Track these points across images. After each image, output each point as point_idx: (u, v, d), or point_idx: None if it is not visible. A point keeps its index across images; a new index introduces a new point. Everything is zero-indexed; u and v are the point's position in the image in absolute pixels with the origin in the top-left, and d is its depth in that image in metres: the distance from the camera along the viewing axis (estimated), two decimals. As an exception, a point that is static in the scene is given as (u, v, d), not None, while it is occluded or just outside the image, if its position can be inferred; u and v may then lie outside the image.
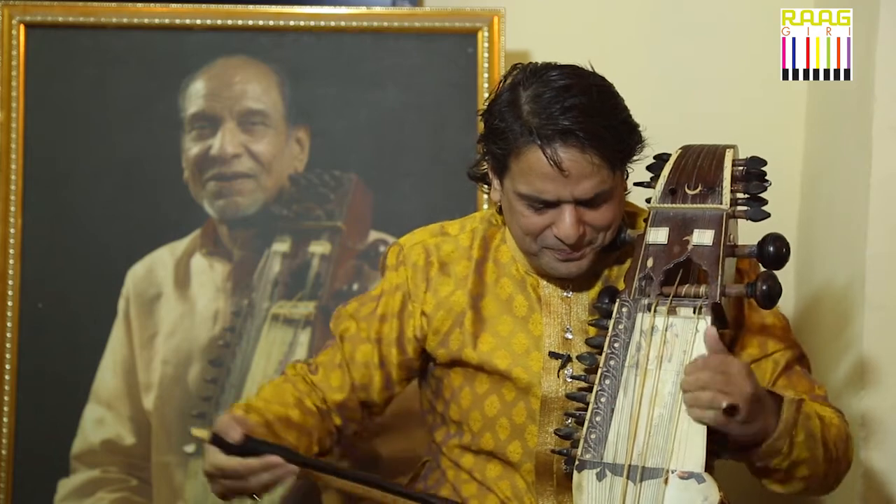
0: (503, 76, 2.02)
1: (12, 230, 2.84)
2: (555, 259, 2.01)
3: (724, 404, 1.77)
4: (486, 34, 2.85)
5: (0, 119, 2.84)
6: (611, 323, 1.90)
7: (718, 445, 1.86)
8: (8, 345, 2.84)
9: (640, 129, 2.00)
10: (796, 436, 1.88)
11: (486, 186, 2.10)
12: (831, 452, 1.96)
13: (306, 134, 2.90)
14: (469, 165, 2.17)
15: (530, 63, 2.01)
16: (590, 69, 2.00)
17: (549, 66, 1.98)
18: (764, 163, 1.91)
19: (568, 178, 1.91)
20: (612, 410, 1.85)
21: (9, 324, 2.84)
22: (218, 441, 1.91)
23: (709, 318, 1.84)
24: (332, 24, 2.88)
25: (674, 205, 1.92)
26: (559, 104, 1.90)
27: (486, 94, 2.73)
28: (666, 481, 1.80)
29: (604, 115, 1.92)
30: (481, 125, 2.04)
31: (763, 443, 1.86)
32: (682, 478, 1.79)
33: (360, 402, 2.17)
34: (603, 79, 1.99)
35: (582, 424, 1.87)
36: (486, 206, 2.82)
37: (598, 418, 1.86)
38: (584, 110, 1.90)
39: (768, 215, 1.90)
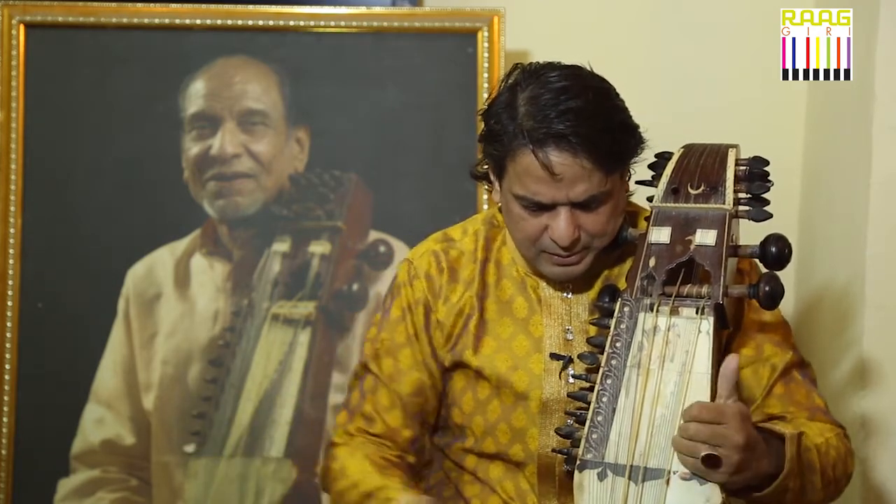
0: (504, 76, 2.02)
1: (12, 230, 2.84)
2: (551, 263, 2.01)
3: (702, 453, 1.75)
4: (486, 34, 2.85)
5: (0, 119, 2.84)
6: (612, 322, 1.89)
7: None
8: (8, 345, 2.84)
9: (641, 130, 1.99)
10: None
11: (488, 186, 2.09)
12: (829, 477, 1.96)
13: (306, 134, 2.90)
14: (471, 165, 2.17)
15: (531, 63, 2.00)
16: (590, 70, 1.99)
17: (548, 67, 1.97)
18: (766, 163, 1.91)
19: (561, 182, 1.91)
20: (614, 410, 1.85)
21: (9, 324, 2.84)
22: None
23: (711, 319, 1.83)
24: (332, 24, 2.88)
25: (676, 204, 1.92)
26: (555, 107, 1.90)
27: (486, 94, 2.74)
28: (668, 482, 1.79)
29: (600, 118, 1.91)
30: (481, 125, 2.04)
31: (760, 487, 1.84)
32: (683, 479, 1.79)
33: (422, 427, 2.15)
34: (602, 80, 1.99)
35: (583, 424, 1.86)
36: (485, 207, 2.82)
37: (599, 418, 1.85)
38: (580, 114, 1.89)
39: (771, 216, 1.89)
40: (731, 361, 1.82)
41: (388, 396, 2.12)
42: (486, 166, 2.07)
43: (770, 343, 2.06)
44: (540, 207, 1.95)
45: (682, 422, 1.79)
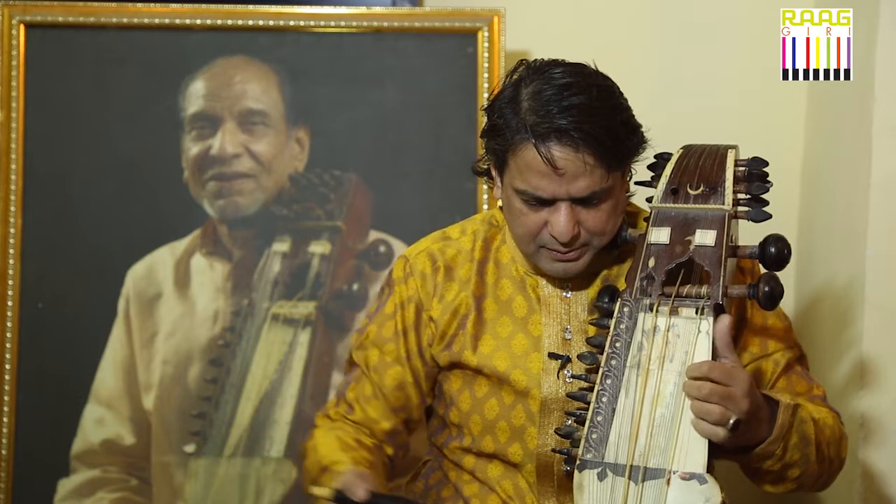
0: (509, 71, 2.02)
1: (12, 230, 2.84)
2: (550, 259, 2.01)
3: (732, 421, 1.77)
4: (486, 34, 2.84)
5: (0, 119, 2.84)
6: (612, 322, 1.90)
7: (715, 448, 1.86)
8: (8, 345, 2.83)
9: (643, 129, 2.00)
10: (790, 439, 1.89)
11: (489, 182, 2.10)
12: (823, 453, 1.98)
13: (306, 134, 2.90)
14: (472, 163, 2.17)
15: (536, 59, 2.01)
16: (594, 68, 2.00)
17: (553, 63, 1.98)
18: (766, 163, 1.91)
19: (563, 177, 1.91)
20: (614, 410, 1.85)
21: (9, 324, 2.84)
22: (342, 499, 1.90)
23: (711, 319, 1.83)
24: (332, 24, 2.88)
25: (676, 204, 1.92)
26: (558, 103, 1.90)
27: (486, 94, 2.74)
28: (668, 482, 1.79)
29: (602, 115, 1.92)
30: (482, 123, 2.04)
31: (754, 447, 1.87)
32: (683, 479, 1.79)
33: (403, 422, 2.17)
34: (606, 78, 1.99)
35: (583, 424, 1.87)
36: (486, 207, 2.82)
37: (599, 418, 1.85)
38: (583, 110, 1.90)
39: (770, 216, 1.89)
40: (723, 320, 1.83)
41: (370, 387, 2.15)
42: (487, 163, 2.07)
43: (774, 340, 2.08)
44: (540, 202, 1.95)
45: (689, 381, 1.80)
